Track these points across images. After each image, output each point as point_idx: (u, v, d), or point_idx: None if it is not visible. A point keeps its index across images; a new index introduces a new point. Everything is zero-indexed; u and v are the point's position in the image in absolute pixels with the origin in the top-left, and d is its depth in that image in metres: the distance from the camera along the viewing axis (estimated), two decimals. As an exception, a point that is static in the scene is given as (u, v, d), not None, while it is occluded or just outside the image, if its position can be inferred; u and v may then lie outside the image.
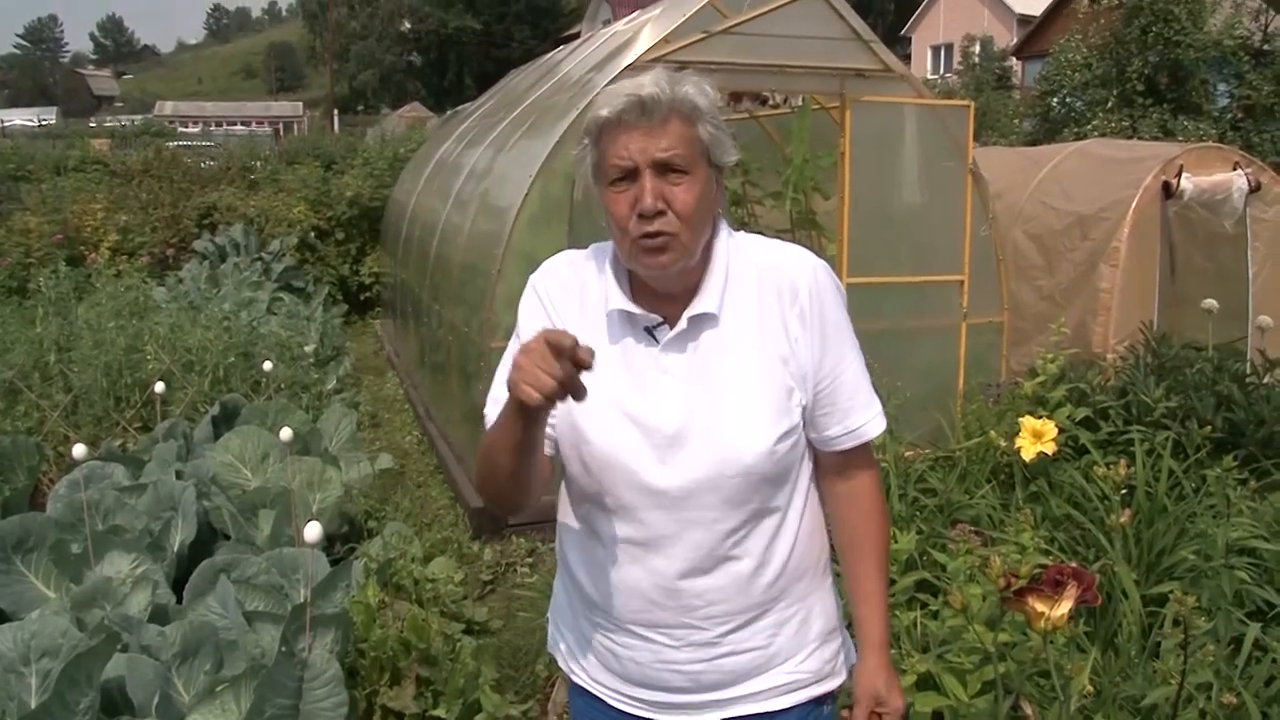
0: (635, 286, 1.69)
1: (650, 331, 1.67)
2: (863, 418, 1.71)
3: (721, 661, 1.69)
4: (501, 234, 5.20)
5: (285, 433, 3.79)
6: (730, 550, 1.65)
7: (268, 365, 5.37)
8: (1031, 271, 7.05)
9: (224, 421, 5.12)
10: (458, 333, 5.98)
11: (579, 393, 1.38)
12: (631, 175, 1.58)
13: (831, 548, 1.83)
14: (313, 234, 11.77)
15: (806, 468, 1.75)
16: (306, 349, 6.91)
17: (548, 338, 1.36)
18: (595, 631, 1.76)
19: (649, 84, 1.56)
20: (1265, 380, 4.72)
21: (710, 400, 1.62)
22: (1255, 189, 6.75)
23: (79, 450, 3.65)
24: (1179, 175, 6.59)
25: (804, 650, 1.74)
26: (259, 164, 14.54)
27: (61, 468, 5.04)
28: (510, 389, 1.42)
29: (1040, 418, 4.07)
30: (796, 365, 1.66)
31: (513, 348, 1.71)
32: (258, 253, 10.84)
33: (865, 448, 1.74)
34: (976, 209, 5.91)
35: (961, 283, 5.88)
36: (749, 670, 1.70)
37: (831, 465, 1.76)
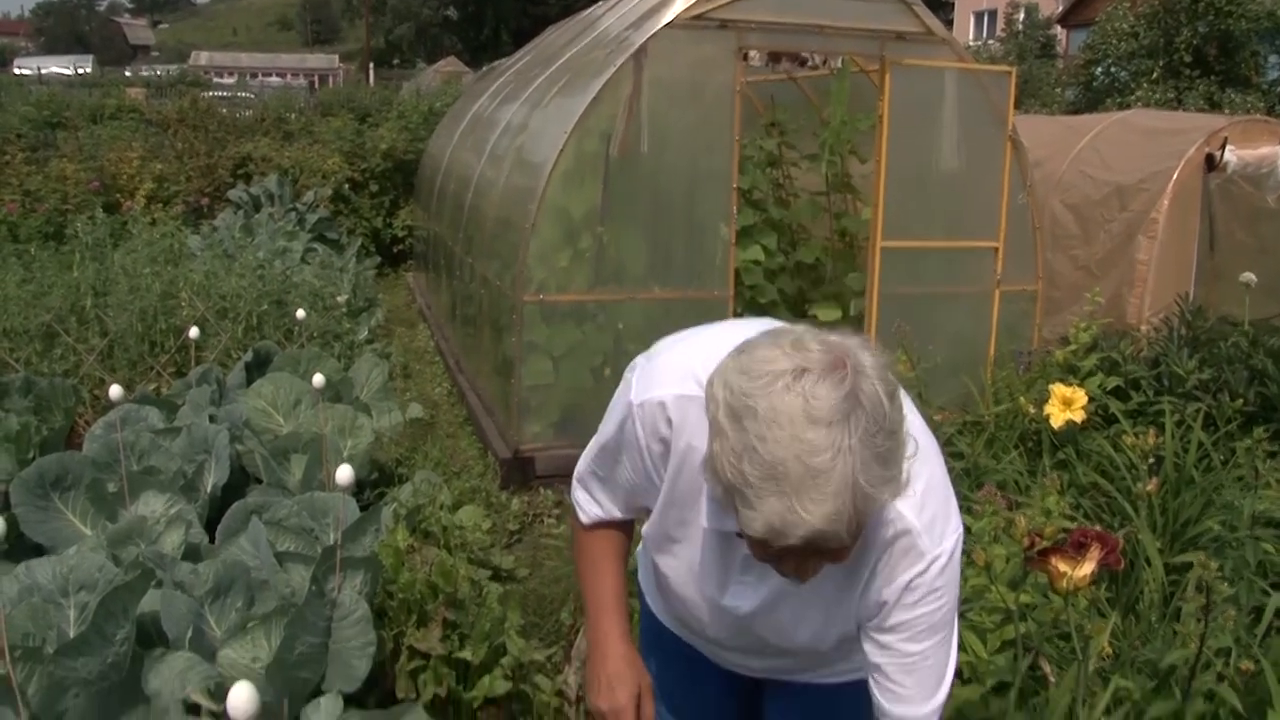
0: None
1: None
2: (908, 710, 1.51)
3: (785, 669, 1.78)
4: (536, 189, 5.20)
5: (318, 379, 3.83)
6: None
7: (301, 313, 5.42)
8: (1068, 241, 6.99)
9: (257, 368, 5.18)
10: (490, 286, 6.01)
11: None
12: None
13: None
14: (347, 186, 11.78)
15: None
16: (339, 299, 6.97)
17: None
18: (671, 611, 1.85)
19: (826, 503, 1.17)
20: (1301, 355, 4.68)
21: (779, 621, 1.59)
22: (1301, 163, 6.64)
23: (115, 391, 3.71)
24: (1223, 147, 6.49)
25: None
26: (294, 116, 14.58)
27: (97, 410, 5.12)
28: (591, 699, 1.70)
29: (1071, 385, 4.07)
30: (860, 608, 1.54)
31: (612, 449, 1.65)
32: (292, 203, 10.89)
33: None
34: (1014, 177, 5.85)
35: (996, 250, 5.83)
36: (809, 669, 1.78)
37: None
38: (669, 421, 1.50)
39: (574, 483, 1.77)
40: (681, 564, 1.62)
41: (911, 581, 1.44)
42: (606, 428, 1.64)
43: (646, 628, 1.94)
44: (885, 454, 1.19)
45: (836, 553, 1.28)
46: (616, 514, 1.72)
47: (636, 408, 1.54)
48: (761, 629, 1.62)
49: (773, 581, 1.50)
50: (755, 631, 1.63)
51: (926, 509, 1.44)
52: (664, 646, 1.88)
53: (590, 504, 1.74)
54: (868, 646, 1.52)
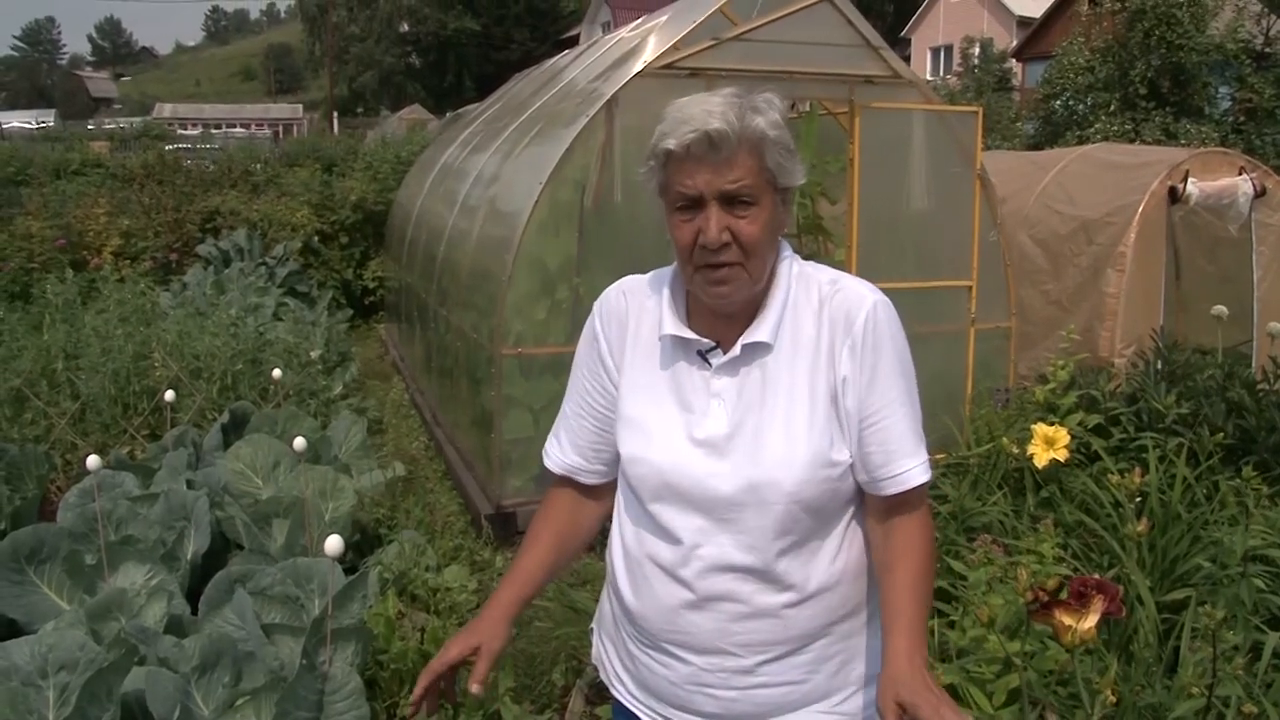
0: (692, 308, 1.70)
1: (703, 355, 1.67)
2: (907, 464, 1.63)
3: (755, 693, 1.66)
4: (512, 240, 5.20)
5: (299, 442, 3.77)
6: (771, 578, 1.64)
7: (277, 373, 5.34)
8: (1038, 276, 7.06)
9: (233, 429, 5.11)
10: (466, 339, 5.98)
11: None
12: (697, 204, 1.58)
13: None
14: (316, 238, 11.74)
15: (854, 508, 1.71)
16: (313, 354, 6.90)
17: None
18: (634, 646, 1.77)
19: (718, 116, 1.53)
20: (1275, 386, 4.72)
21: (757, 423, 1.62)
22: (1261, 194, 6.76)
23: (93, 461, 3.63)
24: (1185, 180, 6.59)
25: (844, 691, 1.71)
26: (259, 166, 14.52)
27: (70, 476, 5.03)
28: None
29: (1051, 424, 4.08)
30: (843, 399, 1.63)
31: (575, 369, 1.87)
32: (262, 257, 10.83)
33: (912, 495, 1.64)
34: (984, 214, 5.91)
35: (970, 288, 5.88)
36: (781, 705, 1.68)
37: (876, 508, 1.67)
38: (622, 290, 1.81)
39: (547, 441, 1.91)
40: (654, 420, 1.69)
41: (866, 317, 1.61)
42: (576, 356, 1.87)
43: None
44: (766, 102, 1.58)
45: (745, 205, 1.56)
46: (571, 456, 1.85)
47: (596, 304, 1.83)
48: (742, 454, 1.62)
49: (747, 387, 1.63)
50: (736, 454, 1.62)
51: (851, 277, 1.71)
52: None
53: (553, 446, 1.88)
54: (856, 445, 1.64)
